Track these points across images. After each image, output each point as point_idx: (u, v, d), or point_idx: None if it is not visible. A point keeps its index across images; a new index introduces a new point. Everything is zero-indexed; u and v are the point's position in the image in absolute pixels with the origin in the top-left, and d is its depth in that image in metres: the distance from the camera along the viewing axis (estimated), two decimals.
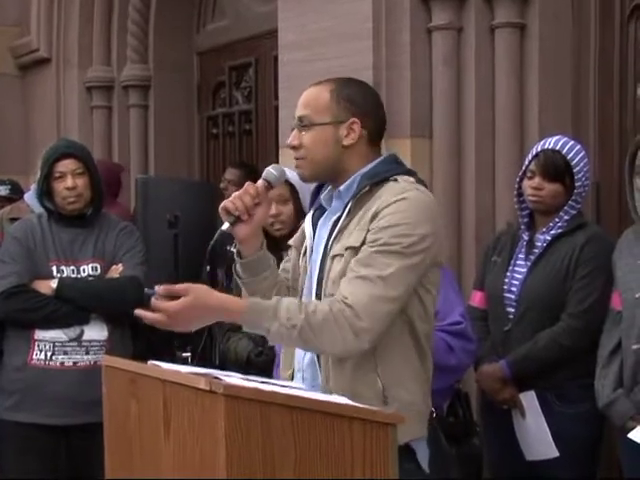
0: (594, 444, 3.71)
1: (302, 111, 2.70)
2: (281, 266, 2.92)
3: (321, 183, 2.80)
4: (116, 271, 4.05)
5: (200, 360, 4.31)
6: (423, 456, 2.69)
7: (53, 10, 7.23)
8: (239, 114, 6.79)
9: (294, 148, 2.70)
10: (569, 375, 3.64)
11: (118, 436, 2.44)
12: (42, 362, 3.95)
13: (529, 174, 3.74)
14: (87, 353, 3.97)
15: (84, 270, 4.04)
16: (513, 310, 3.74)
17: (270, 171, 2.73)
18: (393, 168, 2.70)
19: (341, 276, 2.58)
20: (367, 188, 2.63)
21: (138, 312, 2.50)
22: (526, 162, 3.78)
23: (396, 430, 2.16)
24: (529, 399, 3.68)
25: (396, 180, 2.64)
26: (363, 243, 2.57)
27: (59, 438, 4.03)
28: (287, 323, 2.46)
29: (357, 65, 4.42)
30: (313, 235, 2.77)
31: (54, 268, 4.01)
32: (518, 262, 3.79)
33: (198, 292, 2.45)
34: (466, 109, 4.48)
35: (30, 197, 4.97)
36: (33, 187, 4.70)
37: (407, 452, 2.58)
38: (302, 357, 2.71)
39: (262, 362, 3.65)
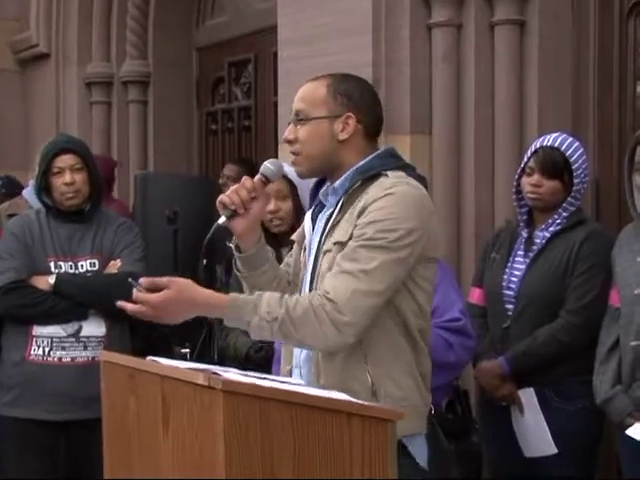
0: (593, 440, 3.71)
1: (298, 105, 2.71)
2: (284, 261, 2.93)
3: (321, 179, 2.81)
4: (114, 267, 4.05)
5: (199, 356, 4.31)
6: (420, 452, 2.68)
7: (52, 6, 7.22)
8: (238, 110, 6.79)
9: (290, 142, 2.72)
10: (568, 371, 3.64)
11: (117, 431, 2.44)
12: (40, 358, 3.95)
13: (528, 171, 3.74)
14: (85, 349, 3.97)
15: (82, 266, 4.04)
16: (512, 307, 3.74)
17: (267, 166, 2.74)
18: (387, 162, 2.70)
19: (329, 271, 2.59)
20: (359, 183, 2.64)
21: (120, 303, 2.52)
22: (525, 159, 3.78)
23: (395, 426, 2.15)
24: (528, 396, 3.68)
25: (387, 175, 2.64)
26: (350, 238, 2.57)
27: (58, 434, 4.03)
28: (267, 317, 2.47)
29: (357, 61, 4.42)
30: (312, 231, 2.78)
31: (52, 264, 4.01)
32: (517, 259, 3.79)
33: (181, 286, 2.48)
34: (466, 106, 4.48)
35: (29, 193, 4.97)
36: (32, 183, 4.70)
37: (401, 448, 2.58)
38: (299, 353, 2.72)
39: (261, 358, 3.64)
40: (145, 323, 3.63)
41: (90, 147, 4.40)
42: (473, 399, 3.99)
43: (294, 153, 2.72)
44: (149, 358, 2.38)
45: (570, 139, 3.73)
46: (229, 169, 5.72)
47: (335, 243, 2.61)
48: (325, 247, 2.66)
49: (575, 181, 3.69)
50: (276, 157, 4.57)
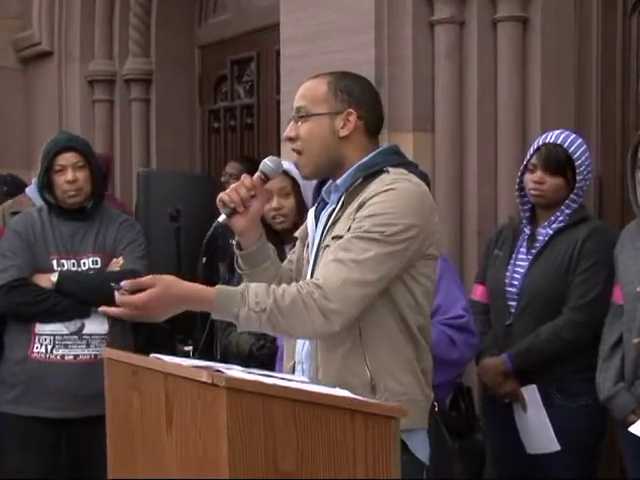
0: (595, 438, 3.71)
1: (299, 102, 2.72)
2: (287, 258, 2.94)
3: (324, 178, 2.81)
4: (117, 264, 4.06)
5: (201, 353, 4.31)
6: (421, 448, 2.68)
7: (55, 3, 7.21)
8: (241, 108, 6.78)
9: (291, 139, 2.72)
10: (570, 369, 3.64)
11: (120, 428, 2.44)
12: (42, 355, 3.95)
13: (531, 168, 3.74)
14: (88, 346, 3.97)
15: (84, 263, 4.04)
16: (515, 304, 3.74)
17: (266, 163, 2.75)
18: (390, 159, 2.70)
19: None
20: (360, 180, 2.65)
21: (102, 309, 2.52)
22: (528, 156, 3.78)
23: (398, 423, 2.15)
24: (531, 393, 3.68)
25: (388, 172, 2.64)
26: (348, 231, 2.58)
27: (60, 431, 4.04)
28: (255, 307, 2.46)
29: (359, 59, 4.42)
30: (315, 228, 2.79)
31: (54, 262, 4.02)
32: (520, 256, 3.79)
33: (165, 282, 2.45)
34: (468, 103, 4.48)
35: (32, 190, 4.97)
36: (35, 180, 4.70)
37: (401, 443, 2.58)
38: (301, 348, 2.72)
39: (264, 355, 3.65)
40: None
41: (93, 145, 4.41)
42: (476, 396, 3.99)
43: (296, 151, 2.73)
44: (152, 355, 2.39)
45: (573, 136, 3.73)
46: (231, 167, 5.71)
47: (334, 237, 2.62)
48: (325, 243, 2.67)
49: (578, 178, 3.69)
50: (279, 155, 4.57)
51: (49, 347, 3.96)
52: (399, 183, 2.60)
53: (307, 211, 2.95)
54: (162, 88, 7.02)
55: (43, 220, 4.08)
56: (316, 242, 2.74)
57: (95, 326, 3.99)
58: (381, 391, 2.57)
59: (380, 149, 2.73)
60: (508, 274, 3.77)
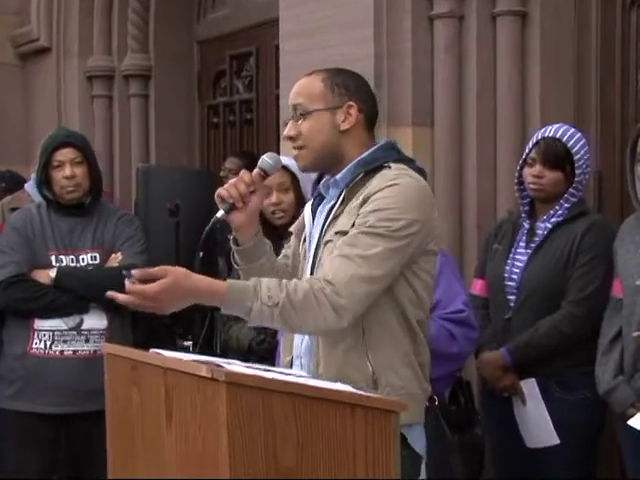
0: (595, 431, 3.71)
1: (296, 100, 2.72)
2: (282, 252, 2.93)
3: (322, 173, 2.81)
4: (115, 260, 4.06)
5: (201, 348, 4.31)
6: (419, 442, 2.69)
7: None
8: (240, 103, 6.77)
9: (292, 138, 2.72)
10: (570, 362, 3.64)
11: (120, 423, 2.44)
12: (41, 351, 3.96)
13: (529, 162, 3.74)
14: (87, 342, 3.97)
15: (83, 259, 4.04)
16: (514, 298, 3.74)
17: (265, 159, 2.75)
18: (389, 155, 2.71)
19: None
20: (361, 175, 2.65)
21: (110, 293, 2.47)
22: (527, 150, 3.78)
23: (398, 417, 2.16)
24: (530, 386, 3.68)
25: (389, 167, 2.65)
26: (352, 227, 2.58)
27: (59, 427, 4.04)
28: (268, 301, 2.45)
29: (358, 54, 4.42)
30: (312, 223, 2.79)
31: (53, 257, 4.02)
32: (519, 250, 3.79)
33: (176, 274, 2.43)
34: (468, 97, 4.47)
35: (31, 186, 4.97)
36: (33, 176, 4.70)
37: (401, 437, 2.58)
38: (300, 343, 2.73)
39: (264, 350, 3.65)
40: (147, 315, 3.65)
41: (91, 141, 4.40)
42: (476, 390, 3.99)
43: (297, 148, 2.72)
44: (152, 350, 2.39)
45: (572, 130, 3.73)
46: (230, 162, 5.71)
47: (337, 233, 2.62)
48: (326, 238, 2.67)
49: (577, 172, 3.68)
50: (278, 150, 4.58)
51: (48, 343, 3.96)
52: (402, 179, 2.61)
53: None
54: (161, 84, 7.01)
55: (42, 216, 4.08)
56: (315, 237, 2.74)
57: (94, 321, 3.99)
58: (383, 385, 2.58)
59: (379, 144, 2.74)
60: (507, 268, 3.77)
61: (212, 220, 2.68)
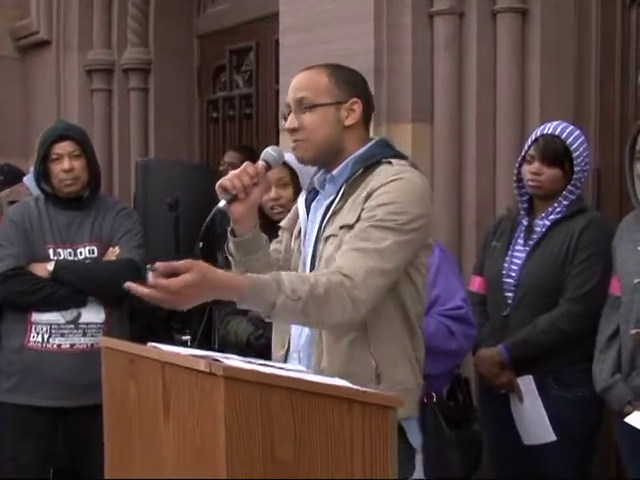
0: (592, 429, 3.72)
1: (299, 94, 2.71)
2: (272, 247, 2.89)
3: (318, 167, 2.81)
4: (113, 254, 4.05)
5: (199, 343, 4.31)
6: (414, 436, 2.71)
7: None
8: (240, 98, 6.77)
9: (292, 131, 2.71)
10: (567, 360, 3.64)
11: (117, 416, 2.44)
12: (39, 345, 3.95)
13: (528, 159, 3.74)
14: (84, 335, 3.97)
15: (81, 253, 4.04)
16: (512, 295, 3.74)
17: (269, 152, 2.74)
18: (386, 151, 2.73)
19: (334, 255, 2.59)
20: (361, 171, 2.67)
21: (129, 285, 2.33)
22: (525, 147, 3.78)
23: (395, 413, 2.16)
24: (527, 383, 3.68)
25: (390, 163, 2.67)
26: (357, 221, 2.59)
27: (57, 420, 4.04)
28: (292, 295, 2.41)
29: (358, 49, 4.42)
30: (307, 217, 2.79)
31: (51, 251, 4.01)
32: (517, 247, 3.79)
33: (201, 268, 2.34)
34: (467, 94, 4.47)
35: (29, 180, 4.97)
36: (32, 170, 4.70)
37: (398, 431, 2.58)
38: (298, 337, 2.72)
39: (262, 345, 3.64)
40: (144, 309, 3.64)
41: (91, 135, 4.40)
42: (474, 387, 3.99)
43: (298, 141, 2.72)
44: (150, 344, 2.38)
45: (571, 127, 3.73)
46: (230, 156, 5.71)
47: (342, 227, 2.62)
48: (327, 233, 2.66)
49: (576, 169, 3.69)
50: (277, 144, 4.57)
51: (45, 336, 3.95)
52: (405, 174, 2.63)
53: None
54: (161, 78, 7.00)
55: (40, 209, 4.08)
56: (314, 233, 2.74)
57: (91, 315, 3.99)
58: (385, 380, 2.59)
59: (374, 141, 2.77)
60: (505, 265, 3.78)
61: (213, 211, 2.65)
